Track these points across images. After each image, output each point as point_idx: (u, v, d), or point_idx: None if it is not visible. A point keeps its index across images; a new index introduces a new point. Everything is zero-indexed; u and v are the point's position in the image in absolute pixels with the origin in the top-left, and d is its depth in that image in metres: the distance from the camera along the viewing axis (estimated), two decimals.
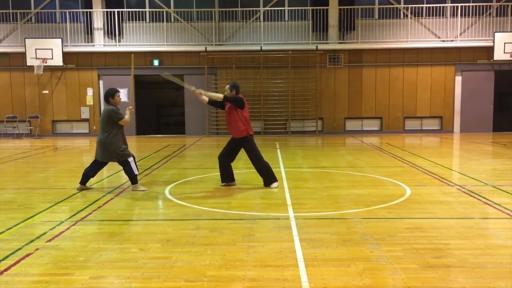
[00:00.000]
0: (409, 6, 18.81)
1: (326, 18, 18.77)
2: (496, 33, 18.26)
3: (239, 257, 4.24)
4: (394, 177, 8.50)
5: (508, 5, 18.81)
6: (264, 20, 18.95)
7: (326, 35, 18.97)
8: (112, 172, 9.58)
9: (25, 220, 5.64)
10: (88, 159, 12.32)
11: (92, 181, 8.02)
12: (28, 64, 18.03)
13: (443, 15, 18.89)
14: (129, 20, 19.02)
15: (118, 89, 7.76)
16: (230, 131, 7.65)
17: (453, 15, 18.79)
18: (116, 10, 18.61)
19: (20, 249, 4.52)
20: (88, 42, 18.94)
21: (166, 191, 7.35)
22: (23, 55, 18.12)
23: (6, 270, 3.96)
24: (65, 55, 18.35)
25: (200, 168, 10.02)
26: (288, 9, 19.06)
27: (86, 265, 4.08)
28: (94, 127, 18.93)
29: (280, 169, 9.74)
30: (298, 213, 5.84)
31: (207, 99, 7.55)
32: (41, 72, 18.11)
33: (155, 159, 11.53)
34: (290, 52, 18.48)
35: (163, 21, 18.91)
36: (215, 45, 18.78)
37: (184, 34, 18.98)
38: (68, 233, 5.09)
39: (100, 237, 5.03)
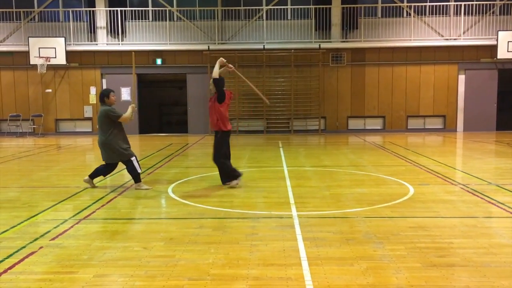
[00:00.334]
0: (412, 4, 18.76)
1: (329, 17, 18.75)
2: (499, 32, 18.21)
3: (242, 256, 4.25)
4: (397, 176, 8.49)
5: (511, 4, 18.74)
6: (266, 19, 18.93)
7: (329, 34, 18.95)
8: (116, 171, 9.59)
9: (29, 219, 5.66)
10: (91, 157, 12.35)
11: (95, 180, 8.04)
12: (31, 63, 18.07)
13: (446, 14, 18.84)
14: (132, 19, 19.03)
15: (112, 89, 7.78)
16: (210, 121, 7.71)
17: (457, 13, 18.74)
18: (119, 9, 18.63)
19: (24, 247, 4.53)
20: (91, 41, 18.97)
21: (169, 190, 7.36)
22: (26, 54, 18.16)
23: (10, 268, 3.98)
24: (68, 54, 18.38)
25: (203, 167, 10.02)
26: (291, 8, 19.04)
27: (90, 264, 4.10)
28: (97, 126, 18.95)
29: (283, 167, 9.74)
30: (301, 212, 5.84)
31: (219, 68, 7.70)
32: (45, 71, 18.15)
33: (158, 158, 11.55)
34: (292, 50, 18.47)
35: (166, 20, 18.92)
36: (218, 43, 18.78)
37: (187, 33, 18.99)
38: (71, 231, 5.10)
39: (104, 235, 5.05)
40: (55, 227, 5.25)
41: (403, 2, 18.98)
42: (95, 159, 10.98)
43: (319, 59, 18.53)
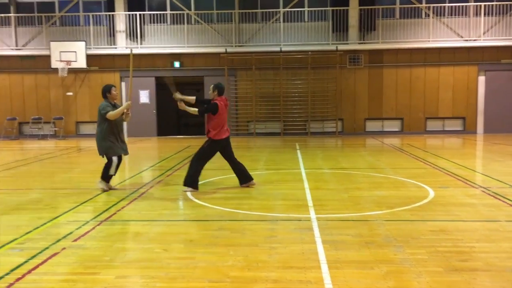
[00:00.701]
0: (431, 5, 18.56)
1: (346, 19, 18.66)
2: None
3: (261, 258, 4.26)
4: (416, 178, 8.40)
5: None
6: (283, 21, 18.94)
7: (346, 36, 18.87)
8: (135, 173, 9.72)
9: (51, 220, 5.76)
10: None
11: (115, 182, 8.16)
12: (52, 66, 18.37)
13: (465, 14, 18.59)
14: (150, 22, 19.23)
15: (114, 84, 7.87)
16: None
17: (476, 14, 18.48)
18: (138, 13, 18.84)
19: (47, 248, 4.62)
20: (110, 45, 19.22)
21: (188, 192, 7.41)
22: (48, 57, 18.47)
23: (34, 269, 4.06)
24: (89, 57, 18.64)
25: (221, 169, 10.05)
26: (308, 10, 19.02)
27: (112, 265, 4.16)
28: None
29: (301, 170, 9.73)
30: (320, 215, 5.83)
31: (185, 107, 7.51)
32: (66, 75, 18.44)
33: (176, 160, 11.64)
34: (310, 53, 18.43)
35: (183, 23, 19.07)
36: (235, 46, 18.86)
37: (205, 36, 19.11)
38: (93, 232, 5.18)
39: (125, 237, 5.12)
40: (77, 229, 5.34)
41: (421, 3, 18.80)
42: None
43: (336, 61, 18.46)
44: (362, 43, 18.77)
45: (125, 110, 7.53)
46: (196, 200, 6.84)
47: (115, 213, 6.11)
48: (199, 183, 7.63)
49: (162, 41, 19.18)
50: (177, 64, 18.97)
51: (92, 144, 16.50)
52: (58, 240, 4.88)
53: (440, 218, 5.64)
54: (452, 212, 5.97)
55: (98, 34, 19.22)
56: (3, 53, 19.15)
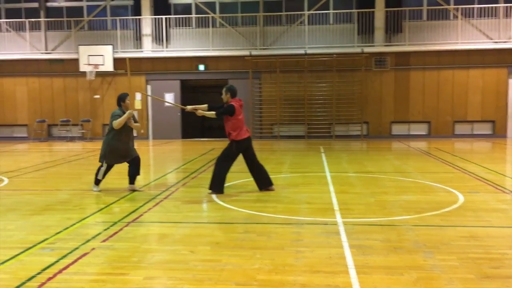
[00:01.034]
0: (460, 7, 18.21)
1: (372, 21, 18.48)
2: None
3: (288, 262, 4.24)
4: (444, 183, 8.24)
5: None
6: (308, 24, 18.87)
7: (372, 38, 18.68)
8: (160, 175, 9.82)
9: (80, 221, 5.87)
10: None
11: (140, 184, 8.27)
12: (81, 70, 18.75)
13: (495, 16, 18.18)
14: (176, 26, 19.44)
15: (127, 93, 8.19)
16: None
17: (506, 15, 18.05)
18: (164, 16, 19.08)
19: (77, 248, 4.70)
20: (137, 48, 19.50)
21: (213, 195, 7.43)
22: (76, 61, 18.86)
23: (65, 268, 4.14)
24: (115, 61, 18.96)
25: (245, 172, 10.02)
26: (333, 12, 18.91)
27: (140, 266, 4.20)
28: (142, 131, 19.45)
29: (326, 173, 9.66)
30: (346, 219, 5.77)
31: (202, 112, 7.56)
32: (93, 78, 18.81)
33: (200, 163, 11.70)
34: (335, 55, 18.32)
35: (208, 27, 19.21)
36: (260, 49, 18.89)
37: (229, 39, 19.20)
38: (121, 233, 5.25)
39: (152, 238, 5.17)
40: (105, 229, 5.41)
41: (449, 4, 18.47)
42: (141, 164, 11.23)
43: (362, 64, 18.29)
44: (388, 45, 18.55)
45: (129, 119, 7.73)
46: (221, 203, 6.85)
47: (141, 215, 6.18)
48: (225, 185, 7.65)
49: (187, 44, 19.36)
50: (201, 67, 19.11)
51: None
52: (88, 241, 4.96)
53: (470, 224, 5.51)
54: (483, 217, 5.82)
55: (125, 38, 19.53)
56: (33, 57, 19.64)
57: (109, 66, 18.71)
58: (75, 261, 4.32)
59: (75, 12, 20.12)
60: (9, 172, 10.23)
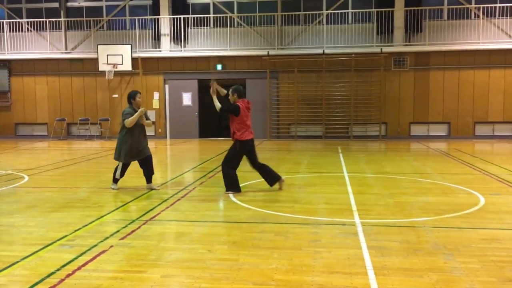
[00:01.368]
0: (481, 6, 17.89)
1: (391, 20, 18.28)
2: None
3: (306, 262, 4.21)
4: (465, 184, 8.10)
5: None
6: (327, 23, 18.76)
7: (391, 38, 18.47)
8: (178, 174, 9.86)
9: (99, 218, 5.92)
10: (154, 160, 12.73)
11: (158, 182, 8.32)
12: (100, 69, 18.95)
13: None
14: (194, 25, 19.52)
15: (139, 91, 8.12)
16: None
17: None
18: (182, 16, 19.17)
19: (95, 245, 4.74)
20: (155, 48, 19.64)
21: (231, 194, 7.43)
22: (95, 61, 19.08)
23: (84, 265, 4.17)
24: (134, 60, 19.12)
25: None
26: (352, 12, 18.77)
27: (158, 264, 4.22)
28: (160, 130, 19.58)
29: (344, 173, 9.58)
30: (364, 220, 5.71)
31: (215, 94, 7.85)
32: (112, 77, 19.00)
33: (217, 162, 11.70)
34: (353, 55, 18.17)
35: (226, 26, 19.24)
36: (277, 49, 18.85)
37: (247, 39, 19.20)
38: (139, 231, 5.28)
39: (169, 236, 5.19)
40: (123, 227, 5.45)
41: (470, 4, 18.17)
42: (158, 162, 11.32)
43: (380, 64, 18.11)
44: (407, 45, 18.33)
45: (141, 117, 7.73)
46: (238, 202, 6.85)
47: (159, 213, 6.21)
48: (241, 185, 7.65)
49: (205, 44, 19.42)
50: (219, 67, 19.15)
51: None
52: (106, 238, 5.00)
53: (492, 226, 5.40)
54: (505, 220, 5.70)
55: (143, 38, 19.68)
56: (53, 56, 19.93)
57: (127, 66, 18.87)
58: (94, 258, 4.36)
59: (94, 12, 20.37)
60: (29, 170, 10.39)
